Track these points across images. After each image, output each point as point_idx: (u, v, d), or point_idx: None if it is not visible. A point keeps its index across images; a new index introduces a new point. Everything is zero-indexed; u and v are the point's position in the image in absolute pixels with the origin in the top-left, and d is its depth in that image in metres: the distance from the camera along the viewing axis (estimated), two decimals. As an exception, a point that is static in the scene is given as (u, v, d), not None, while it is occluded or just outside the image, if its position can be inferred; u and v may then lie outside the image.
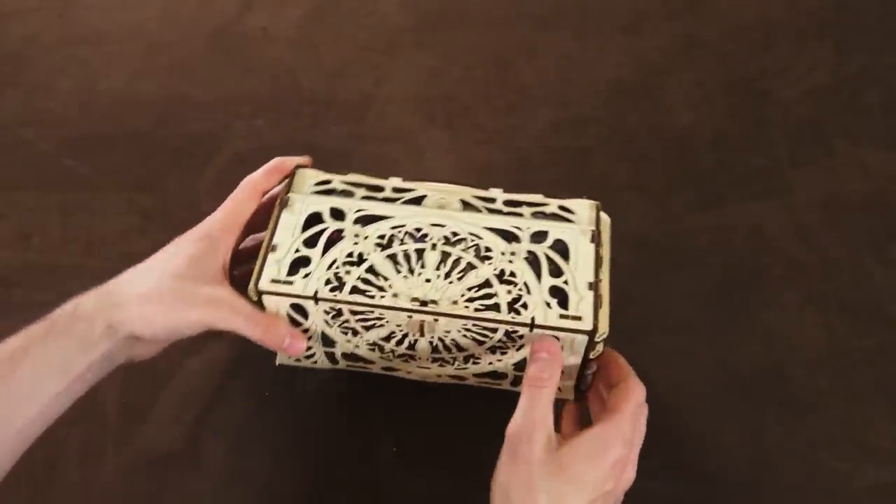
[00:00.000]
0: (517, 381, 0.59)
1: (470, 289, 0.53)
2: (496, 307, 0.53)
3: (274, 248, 0.55)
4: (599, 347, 0.54)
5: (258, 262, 0.54)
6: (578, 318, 0.52)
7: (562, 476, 0.45)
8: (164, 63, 0.88)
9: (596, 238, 0.55)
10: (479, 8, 0.93)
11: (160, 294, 0.50)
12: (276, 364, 0.62)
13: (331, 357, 0.60)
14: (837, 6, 0.92)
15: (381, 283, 0.53)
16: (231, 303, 0.52)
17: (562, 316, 0.52)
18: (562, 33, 0.90)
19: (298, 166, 0.59)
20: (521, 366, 0.57)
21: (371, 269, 0.54)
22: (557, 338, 0.53)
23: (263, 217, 0.57)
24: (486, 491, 0.50)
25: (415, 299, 0.53)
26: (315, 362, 0.60)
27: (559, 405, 0.54)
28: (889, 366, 0.65)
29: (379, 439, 0.58)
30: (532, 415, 0.48)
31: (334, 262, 0.54)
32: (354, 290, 0.53)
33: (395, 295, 0.53)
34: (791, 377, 0.64)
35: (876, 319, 0.67)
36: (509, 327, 0.53)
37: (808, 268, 0.71)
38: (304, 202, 0.57)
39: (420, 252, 0.55)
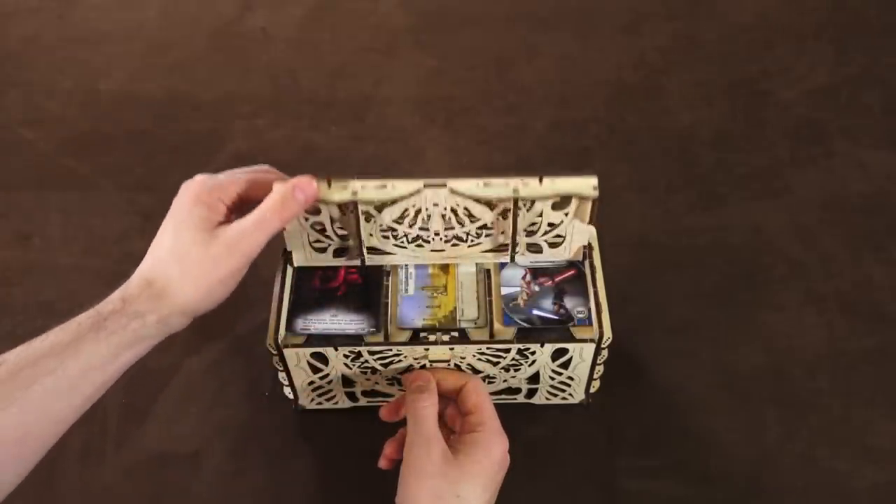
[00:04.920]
0: (531, 393, 0.61)
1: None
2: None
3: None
4: (605, 353, 0.56)
5: (273, 318, 0.56)
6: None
7: (464, 480, 0.49)
8: (165, 63, 0.88)
9: (588, 251, 0.58)
10: (479, 8, 0.93)
11: (193, 265, 0.50)
12: (298, 411, 0.62)
13: (351, 396, 0.62)
14: (837, 6, 0.92)
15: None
16: (243, 232, 0.50)
17: None
18: (562, 33, 0.90)
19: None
20: (534, 379, 0.59)
21: None
22: (567, 349, 0.56)
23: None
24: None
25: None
26: (336, 403, 0.62)
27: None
28: (889, 366, 0.65)
29: (383, 439, 0.57)
30: (423, 433, 0.51)
31: None
32: None
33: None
34: (791, 377, 0.64)
35: (876, 319, 0.67)
36: (521, 345, 0.55)
37: (808, 268, 0.71)
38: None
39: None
